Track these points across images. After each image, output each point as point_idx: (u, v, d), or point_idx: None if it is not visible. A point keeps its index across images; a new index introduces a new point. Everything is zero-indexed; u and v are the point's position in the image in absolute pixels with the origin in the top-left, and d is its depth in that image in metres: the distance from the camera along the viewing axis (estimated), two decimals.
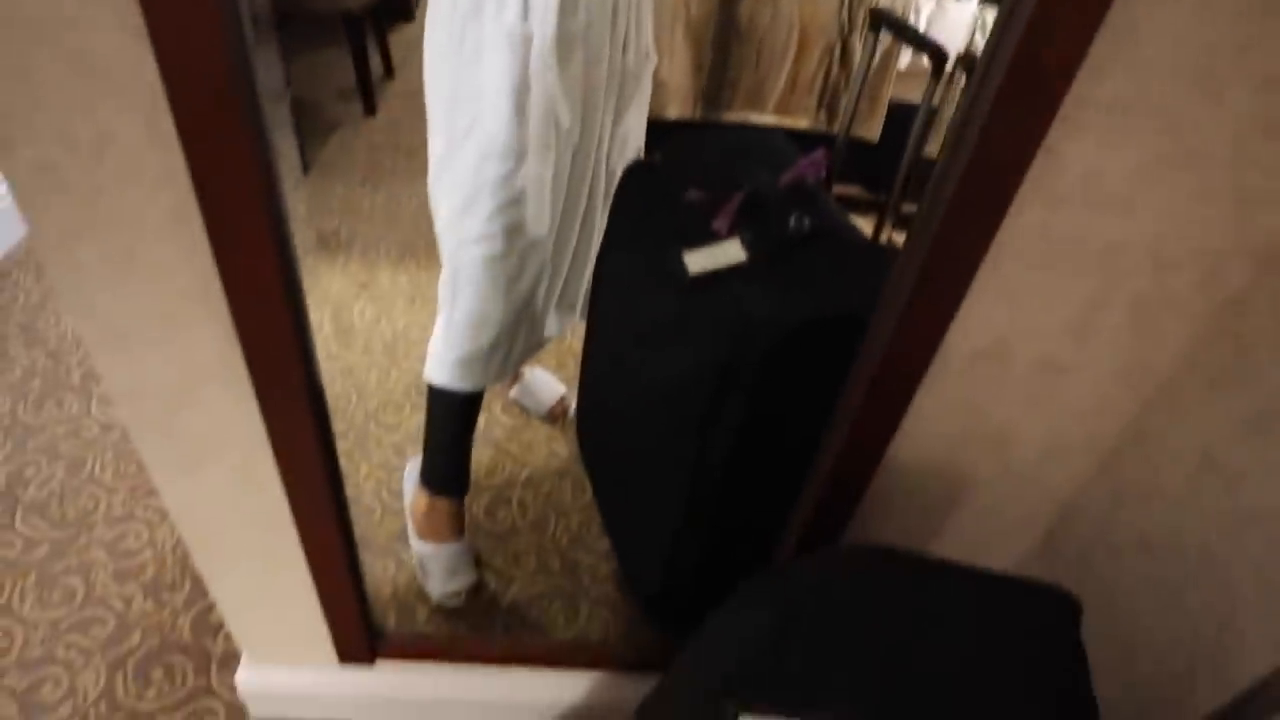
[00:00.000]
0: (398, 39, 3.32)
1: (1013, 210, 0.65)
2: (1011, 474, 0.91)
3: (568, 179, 1.21)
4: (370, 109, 2.91)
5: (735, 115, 2.46)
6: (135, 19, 0.55)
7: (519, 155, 1.11)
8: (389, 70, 3.18)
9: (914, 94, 2.50)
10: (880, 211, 2.41)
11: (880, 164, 2.54)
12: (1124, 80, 0.59)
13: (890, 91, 2.45)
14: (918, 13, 2.36)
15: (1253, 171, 0.64)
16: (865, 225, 2.67)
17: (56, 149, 0.61)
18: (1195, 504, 0.78)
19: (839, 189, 2.59)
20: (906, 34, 1.87)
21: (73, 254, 0.67)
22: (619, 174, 1.32)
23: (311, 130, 2.78)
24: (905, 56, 2.41)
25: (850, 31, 2.35)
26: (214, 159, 0.61)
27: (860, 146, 2.49)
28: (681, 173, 1.31)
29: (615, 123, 1.24)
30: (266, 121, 0.62)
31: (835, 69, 2.40)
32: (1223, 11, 0.56)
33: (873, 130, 2.48)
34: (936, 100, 2.11)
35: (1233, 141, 0.62)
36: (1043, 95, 0.58)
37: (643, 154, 1.39)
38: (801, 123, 2.48)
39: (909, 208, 2.39)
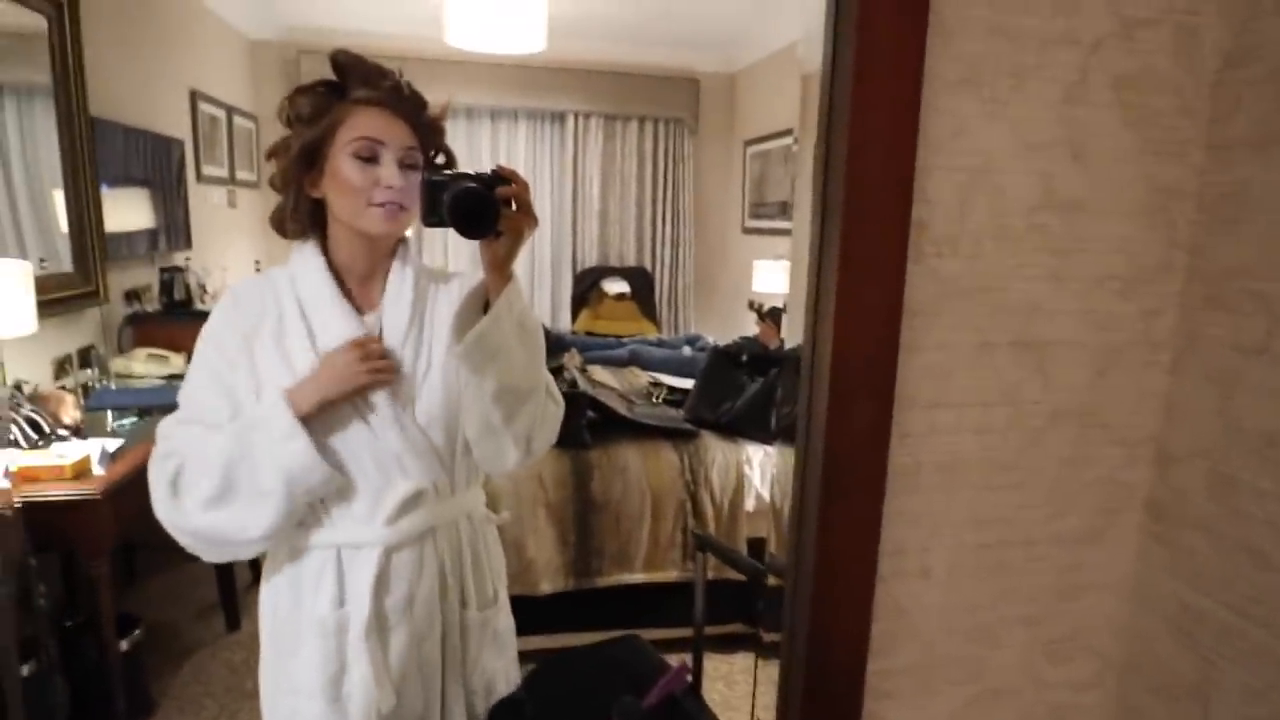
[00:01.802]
0: None
1: None
2: None
3: None
4: (234, 623, 2.79)
5: (607, 580, 2.53)
6: None
7: None
8: (258, 577, 3.13)
9: (767, 530, 2.71)
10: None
11: (750, 598, 2.62)
12: None
13: (745, 532, 2.63)
14: (749, 462, 2.66)
15: None
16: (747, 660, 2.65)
17: None
18: None
19: (721, 630, 2.61)
20: (724, 557, 2.08)
21: None
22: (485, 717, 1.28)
23: (165, 659, 2.60)
24: (750, 499, 2.64)
25: (697, 487, 2.59)
26: None
27: (730, 586, 2.57)
28: (549, 708, 1.28)
29: (470, 671, 1.22)
30: None
31: (691, 521, 2.59)
32: None
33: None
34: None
35: None
36: None
37: (515, 685, 1.36)
38: (671, 575, 2.58)
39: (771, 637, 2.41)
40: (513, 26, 4.12)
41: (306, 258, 1.11)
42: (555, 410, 1.15)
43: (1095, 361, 0.83)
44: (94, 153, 2.88)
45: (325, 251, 1.12)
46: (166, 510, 1.05)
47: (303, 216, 1.12)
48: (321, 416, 1.05)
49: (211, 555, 1.08)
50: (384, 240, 1.12)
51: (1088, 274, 0.81)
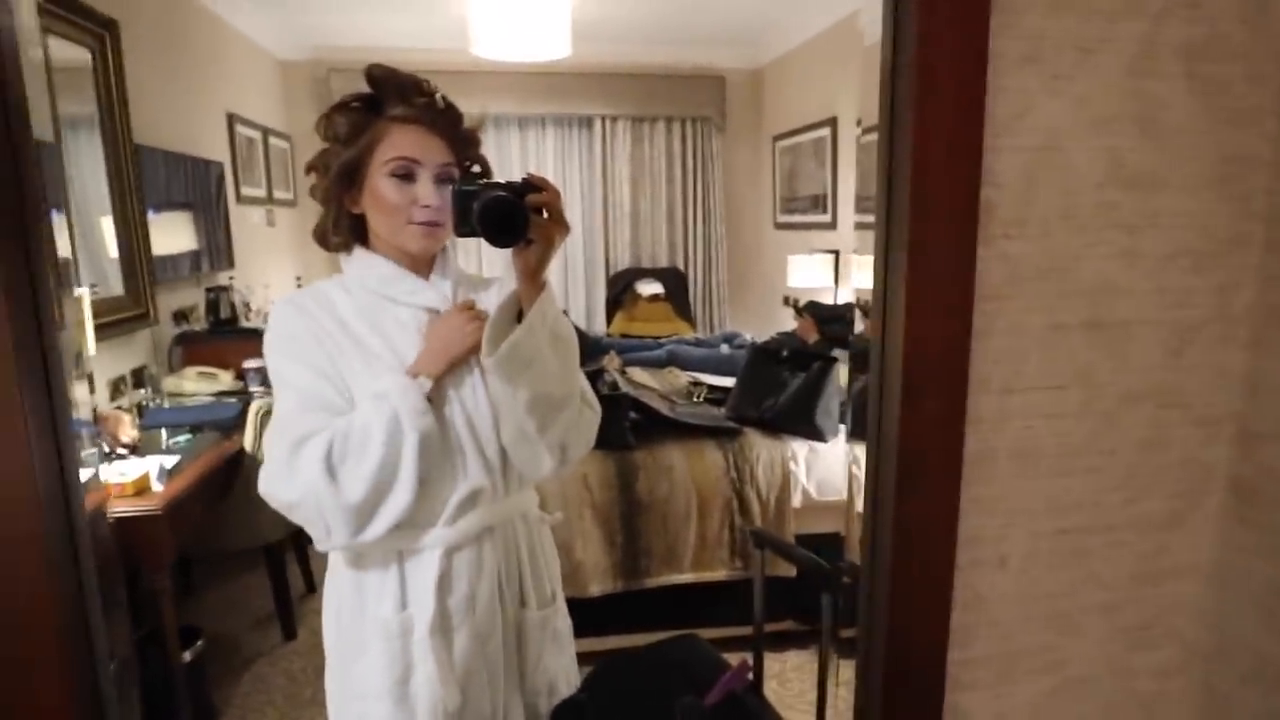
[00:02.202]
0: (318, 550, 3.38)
1: None
2: None
3: None
4: (290, 633, 2.83)
5: (656, 580, 2.53)
6: None
7: None
8: (310, 586, 3.18)
9: (817, 525, 2.69)
10: (820, 639, 2.39)
11: (802, 594, 2.60)
12: None
13: (793, 528, 2.61)
14: (794, 458, 2.64)
15: None
16: (808, 657, 2.63)
17: None
18: None
19: (772, 627, 2.59)
20: (782, 551, 2.04)
21: None
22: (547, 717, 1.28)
23: (225, 669, 2.65)
24: (797, 495, 2.62)
25: (742, 484, 2.58)
26: None
27: (781, 583, 2.55)
28: (610, 709, 1.28)
29: (531, 671, 1.22)
30: None
31: (738, 519, 2.57)
32: None
33: (789, 567, 2.58)
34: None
35: None
36: None
37: (575, 686, 1.36)
38: (720, 574, 2.57)
39: (848, 632, 2.39)
40: (537, 33, 4.15)
41: (362, 258, 1.13)
42: (592, 417, 1.14)
43: (1170, 340, 0.81)
44: (140, 179, 2.96)
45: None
46: (320, 491, 0.99)
47: (344, 230, 1.13)
48: None
49: (351, 533, 1.03)
50: (423, 254, 1.13)
51: (1160, 250, 0.79)
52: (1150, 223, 0.77)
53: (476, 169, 1.17)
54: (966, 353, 0.64)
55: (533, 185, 0.97)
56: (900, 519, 0.66)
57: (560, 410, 1.08)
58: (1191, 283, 0.81)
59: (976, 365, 0.70)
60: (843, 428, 2.73)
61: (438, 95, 1.11)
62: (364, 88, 1.10)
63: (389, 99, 1.08)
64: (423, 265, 1.15)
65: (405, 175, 1.06)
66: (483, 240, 0.96)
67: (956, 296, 0.63)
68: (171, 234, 3.32)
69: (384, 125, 1.07)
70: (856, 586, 0.72)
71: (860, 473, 0.72)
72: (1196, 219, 0.79)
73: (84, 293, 2.16)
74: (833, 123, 4.51)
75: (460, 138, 1.11)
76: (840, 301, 4.14)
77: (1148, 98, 0.74)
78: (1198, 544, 0.86)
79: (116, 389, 2.75)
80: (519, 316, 1.03)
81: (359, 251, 1.14)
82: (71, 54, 2.64)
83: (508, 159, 5.51)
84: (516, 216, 0.95)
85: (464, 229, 0.98)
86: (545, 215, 0.98)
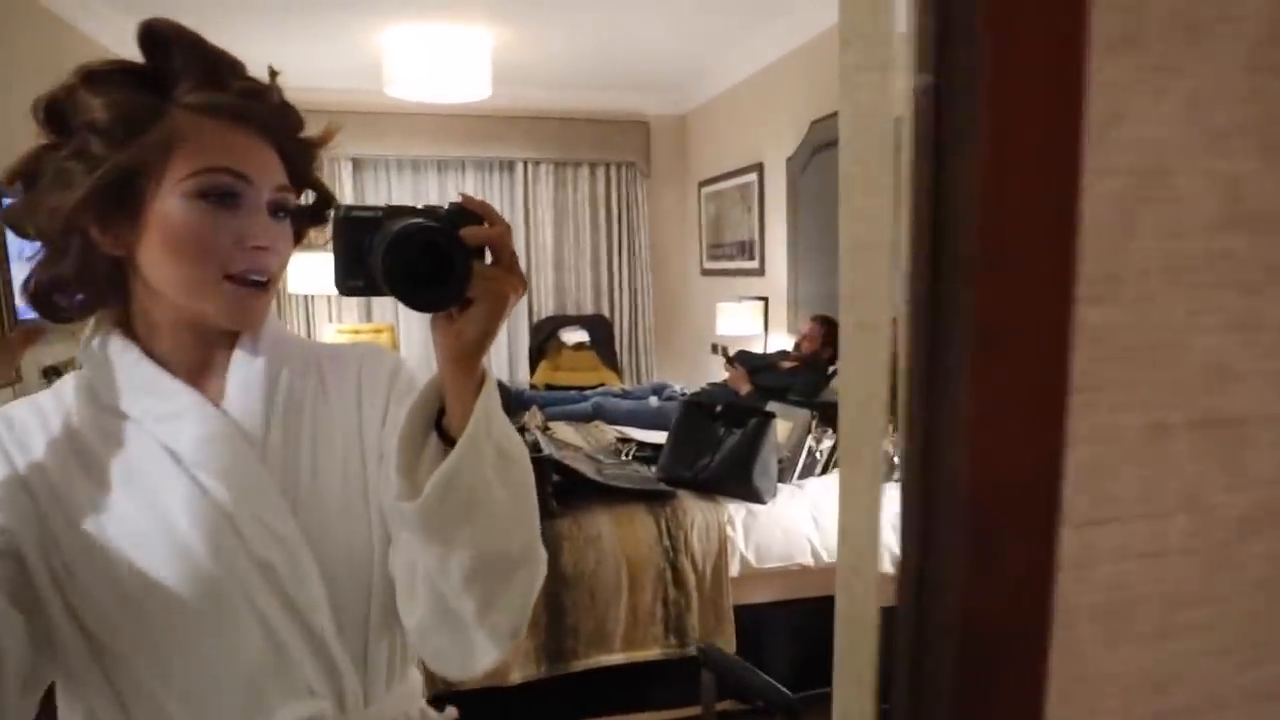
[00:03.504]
0: None
1: None
2: None
3: None
4: None
5: (584, 662, 2.29)
6: None
7: None
8: None
9: (756, 595, 2.51)
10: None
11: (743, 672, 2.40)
12: None
13: (731, 600, 2.42)
14: (731, 522, 2.47)
15: None
16: None
17: None
18: None
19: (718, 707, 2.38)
20: (735, 677, 1.80)
21: None
22: None
23: None
24: (735, 563, 2.44)
25: (676, 553, 2.39)
26: None
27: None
28: None
29: None
30: None
31: (672, 592, 2.37)
32: None
33: (728, 641, 2.39)
34: None
35: None
36: None
37: None
38: (653, 652, 2.35)
39: None
40: (456, 75, 3.99)
41: (113, 353, 0.71)
42: (541, 569, 0.74)
43: None
44: None
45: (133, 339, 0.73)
46: None
47: (96, 282, 0.70)
48: (156, 603, 0.66)
49: None
50: (240, 328, 0.74)
51: None
52: (1273, 279, 0.55)
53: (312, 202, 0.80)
54: (1058, 477, 0.42)
55: (468, 213, 0.63)
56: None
57: (514, 575, 0.69)
58: None
59: None
60: (782, 486, 2.58)
61: (275, 82, 0.74)
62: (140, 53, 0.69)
63: (186, 77, 0.68)
64: (222, 349, 0.74)
65: (224, 197, 0.68)
66: (394, 300, 0.61)
67: (1047, 394, 0.41)
68: None
69: (182, 118, 0.67)
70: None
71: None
72: None
73: None
74: (759, 168, 4.47)
75: (299, 153, 0.75)
76: (771, 349, 4.05)
77: (1272, 100, 0.53)
78: None
79: None
80: (437, 423, 0.67)
81: (114, 345, 0.71)
82: None
83: (426, 203, 5.28)
84: (452, 262, 0.59)
85: (352, 283, 0.62)
86: (490, 259, 0.62)
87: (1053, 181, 0.39)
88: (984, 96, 0.36)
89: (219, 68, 0.70)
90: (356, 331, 4.86)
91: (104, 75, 0.67)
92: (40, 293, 0.70)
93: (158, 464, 0.69)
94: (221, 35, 0.70)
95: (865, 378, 0.48)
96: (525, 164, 5.39)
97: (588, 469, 2.57)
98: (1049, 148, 0.39)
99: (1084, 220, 0.44)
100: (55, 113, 0.67)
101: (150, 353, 0.72)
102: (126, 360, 0.71)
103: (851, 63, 0.49)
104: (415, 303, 0.59)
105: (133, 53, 0.70)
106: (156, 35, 0.68)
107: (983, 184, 0.37)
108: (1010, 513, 0.42)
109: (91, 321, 0.73)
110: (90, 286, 0.70)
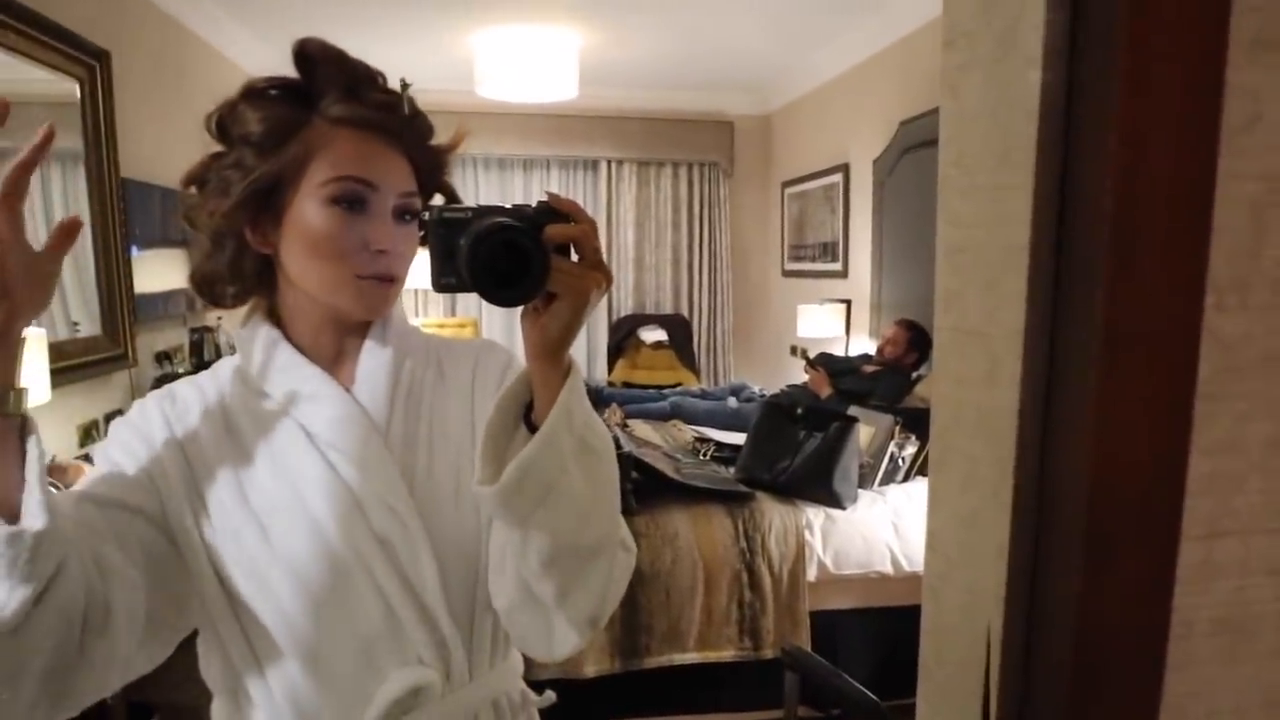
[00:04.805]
0: None
1: None
2: None
3: None
4: None
5: (656, 660, 2.31)
6: None
7: None
8: None
9: (833, 601, 2.48)
10: None
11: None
12: None
13: (807, 605, 2.40)
14: (810, 527, 2.44)
15: None
16: None
17: None
18: None
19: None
20: (820, 678, 1.72)
21: None
22: None
23: None
24: (813, 568, 2.42)
25: (753, 556, 2.38)
26: None
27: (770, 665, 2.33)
28: None
29: None
30: None
31: (748, 594, 2.36)
32: None
33: (802, 646, 2.36)
34: None
35: None
36: None
37: None
38: (727, 653, 2.35)
39: None
40: (544, 75, 4.07)
41: (260, 340, 0.79)
42: (627, 561, 0.76)
43: None
44: (125, 215, 2.82)
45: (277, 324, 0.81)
46: None
47: (247, 276, 0.78)
48: (285, 570, 0.72)
49: None
50: (366, 318, 0.80)
51: None
52: None
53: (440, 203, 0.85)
54: (1182, 486, 0.41)
55: (554, 211, 0.65)
56: None
57: (591, 563, 0.70)
58: None
59: None
60: (863, 492, 2.53)
61: (406, 95, 0.79)
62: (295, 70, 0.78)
63: (329, 91, 0.75)
64: (354, 338, 0.81)
65: (353, 203, 0.74)
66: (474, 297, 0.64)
67: (1173, 401, 0.40)
68: (160, 272, 3.18)
69: (322, 130, 0.74)
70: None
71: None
72: None
73: (40, 333, 1.99)
74: (845, 169, 4.39)
75: (428, 159, 0.80)
76: (853, 353, 3.98)
77: None
78: None
79: (88, 434, 2.57)
80: (527, 415, 0.69)
81: (261, 332, 0.79)
82: (59, 88, 2.52)
83: (511, 201, 5.40)
84: (530, 258, 0.61)
85: (445, 280, 0.65)
86: (575, 256, 0.64)
87: (1187, 185, 0.38)
88: (1119, 97, 0.35)
89: (358, 81, 0.77)
90: (442, 325, 5.02)
91: (261, 91, 0.76)
92: (202, 282, 0.80)
93: (295, 442, 0.76)
94: (324, 37, 0.77)
95: (959, 383, 0.48)
96: (609, 163, 5.44)
97: (666, 467, 2.58)
98: (1184, 151, 0.38)
99: (1217, 225, 0.42)
100: (221, 125, 0.76)
101: (292, 340, 0.79)
102: (272, 346, 0.78)
103: (954, 62, 0.49)
104: (495, 298, 0.63)
105: (270, 72, 0.79)
106: (307, 53, 0.76)
107: (1114, 186, 0.36)
108: (1130, 522, 0.41)
109: (246, 310, 0.81)
110: (241, 280, 0.78)
